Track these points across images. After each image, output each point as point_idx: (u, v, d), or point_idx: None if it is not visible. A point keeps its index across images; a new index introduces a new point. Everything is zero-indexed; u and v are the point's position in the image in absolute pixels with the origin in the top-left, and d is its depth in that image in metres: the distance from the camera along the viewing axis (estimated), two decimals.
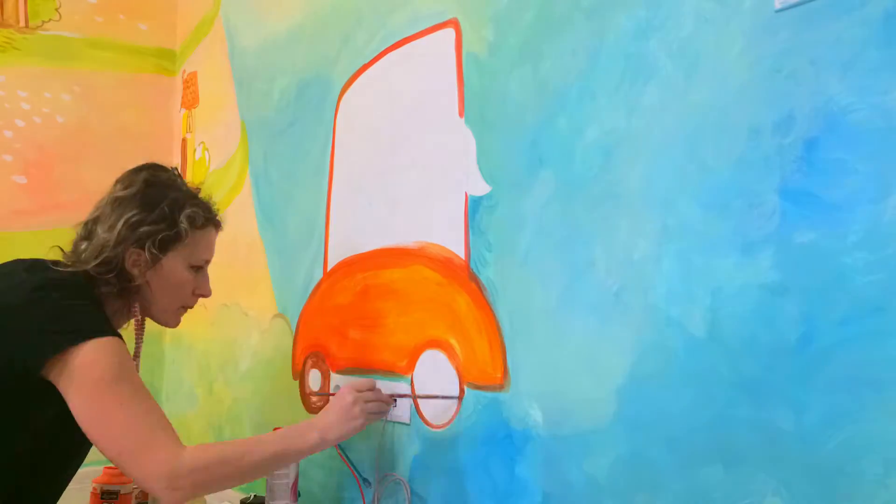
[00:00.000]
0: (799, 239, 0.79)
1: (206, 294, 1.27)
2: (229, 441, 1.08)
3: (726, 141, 0.87)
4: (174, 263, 1.19)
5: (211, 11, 2.24)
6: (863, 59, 0.75)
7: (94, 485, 1.57)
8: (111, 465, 1.62)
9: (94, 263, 1.14)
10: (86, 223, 1.20)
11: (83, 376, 1.00)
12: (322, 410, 1.14)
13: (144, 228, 1.16)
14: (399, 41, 1.40)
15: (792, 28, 0.81)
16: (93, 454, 1.22)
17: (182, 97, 2.42)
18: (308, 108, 1.68)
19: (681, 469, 0.88)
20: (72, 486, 1.24)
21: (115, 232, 1.14)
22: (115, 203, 1.17)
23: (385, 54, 1.44)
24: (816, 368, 0.77)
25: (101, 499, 1.55)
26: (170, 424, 1.05)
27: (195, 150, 2.30)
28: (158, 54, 2.45)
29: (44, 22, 2.27)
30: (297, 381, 1.64)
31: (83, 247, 1.17)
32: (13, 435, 1.07)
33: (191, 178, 2.31)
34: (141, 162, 1.27)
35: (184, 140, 2.38)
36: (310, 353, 1.60)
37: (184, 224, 1.18)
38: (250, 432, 1.82)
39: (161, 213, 1.17)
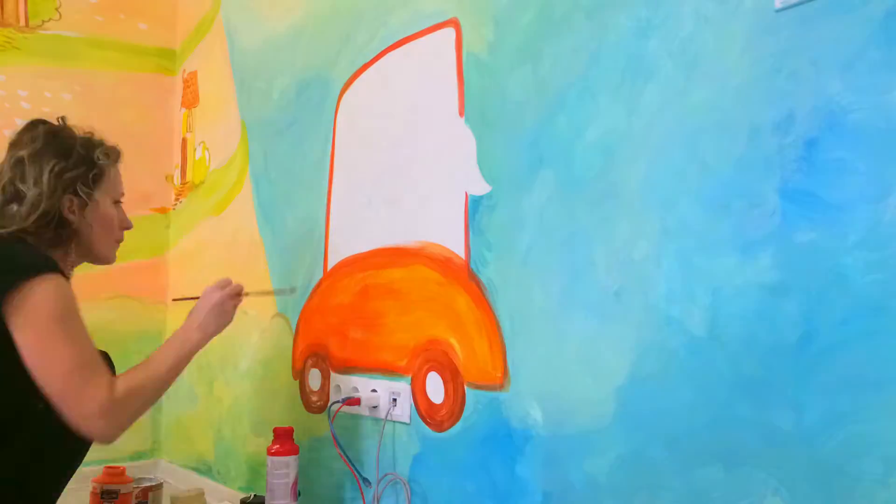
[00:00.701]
0: (799, 239, 0.79)
1: (130, 226, 1.32)
2: (134, 368, 1.14)
3: (727, 140, 0.87)
4: (103, 200, 1.24)
5: (211, 11, 2.24)
6: (863, 58, 0.75)
7: (93, 484, 1.57)
8: (112, 464, 1.63)
9: (33, 218, 1.16)
10: (2, 188, 1.20)
11: (36, 311, 1.05)
12: (191, 311, 1.27)
13: (70, 174, 1.19)
14: (399, 41, 1.40)
15: (792, 28, 0.81)
16: (93, 453, 1.22)
17: (182, 96, 2.42)
18: (308, 107, 1.68)
19: (681, 469, 0.88)
20: (72, 485, 1.24)
21: (44, 184, 1.17)
22: (29, 160, 1.19)
23: (385, 54, 1.44)
24: (816, 368, 0.77)
25: (101, 499, 1.55)
26: (101, 363, 1.10)
27: (195, 150, 2.30)
28: (159, 54, 2.45)
29: (44, 21, 2.27)
30: (297, 381, 1.64)
31: (14, 209, 1.18)
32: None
33: (191, 177, 2.31)
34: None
35: (184, 139, 2.38)
36: (310, 352, 1.60)
37: (102, 160, 1.24)
38: (251, 432, 1.82)
39: (79, 157, 1.21)
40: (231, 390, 1.94)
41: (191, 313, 1.27)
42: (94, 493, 1.57)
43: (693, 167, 0.90)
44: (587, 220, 1.02)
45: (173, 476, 2.13)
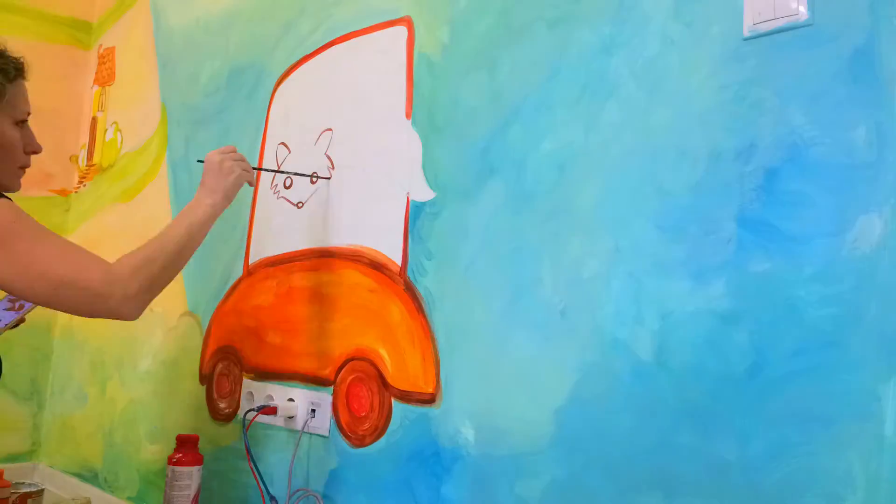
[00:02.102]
0: (754, 268, 0.79)
1: (38, 149, 1.17)
2: (143, 244, 1.06)
3: (686, 165, 0.86)
4: (2, 122, 1.10)
5: None
6: (829, 93, 0.75)
7: None
8: None
9: None
10: None
11: None
12: (199, 184, 1.18)
13: None
14: (346, 35, 1.34)
15: (759, 57, 0.81)
16: None
17: (96, 73, 2.25)
18: (239, 95, 1.59)
19: (619, 496, 0.86)
20: None
21: None
22: None
23: (329, 47, 1.38)
24: (763, 399, 0.76)
25: None
26: (85, 249, 1.03)
27: (106, 130, 2.14)
28: (73, 25, 2.27)
29: None
30: (204, 386, 1.53)
31: None
32: None
33: (99, 159, 2.14)
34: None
35: (94, 118, 2.21)
36: (221, 356, 1.49)
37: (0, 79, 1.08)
38: (145, 437, 1.69)
39: None
40: (126, 392, 1.80)
41: (199, 185, 1.18)
42: None
43: (650, 189, 0.88)
44: (536, 235, 0.99)
45: (54, 482, 1.94)
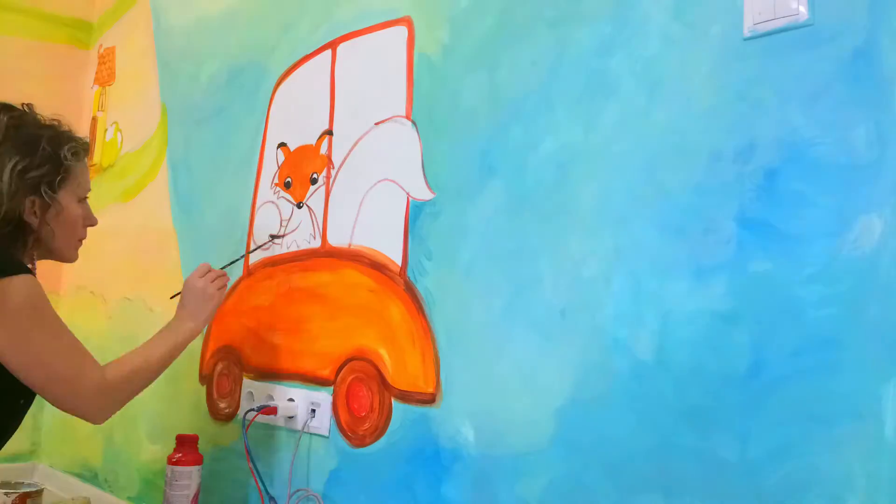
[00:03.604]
0: (754, 268, 0.79)
1: (95, 222, 1.25)
2: (129, 354, 1.17)
3: (686, 164, 0.86)
4: (68, 201, 1.16)
5: None
6: (829, 93, 0.75)
7: None
8: None
9: None
10: None
11: (9, 309, 1.01)
12: (178, 305, 1.27)
13: (33, 173, 1.10)
14: (346, 35, 1.34)
15: (759, 57, 0.81)
16: None
17: (96, 73, 2.25)
18: (239, 95, 1.58)
19: (619, 496, 0.86)
20: None
21: (5, 184, 1.08)
22: None
23: (329, 47, 1.38)
24: (764, 400, 0.76)
25: None
26: (86, 349, 1.11)
27: (106, 130, 2.14)
28: (73, 24, 2.27)
29: None
30: (204, 386, 1.53)
31: None
32: None
33: (99, 159, 2.14)
34: None
35: (94, 118, 2.21)
36: (221, 356, 1.49)
37: (69, 161, 1.15)
38: (145, 438, 1.69)
39: (45, 154, 1.12)
40: None
41: (179, 305, 1.27)
42: None
43: (650, 189, 0.88)
44: (536, 235, 0.99)
45: (54, 482, 1.94)
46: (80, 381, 1.06)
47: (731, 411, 0.78)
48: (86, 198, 1.22)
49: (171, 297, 1.33)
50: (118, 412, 1.14)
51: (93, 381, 1.07)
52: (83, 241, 1.24)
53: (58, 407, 1.08)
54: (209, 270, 1.28)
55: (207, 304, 1.25)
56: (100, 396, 1.09)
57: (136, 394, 1.17)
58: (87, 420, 1.11)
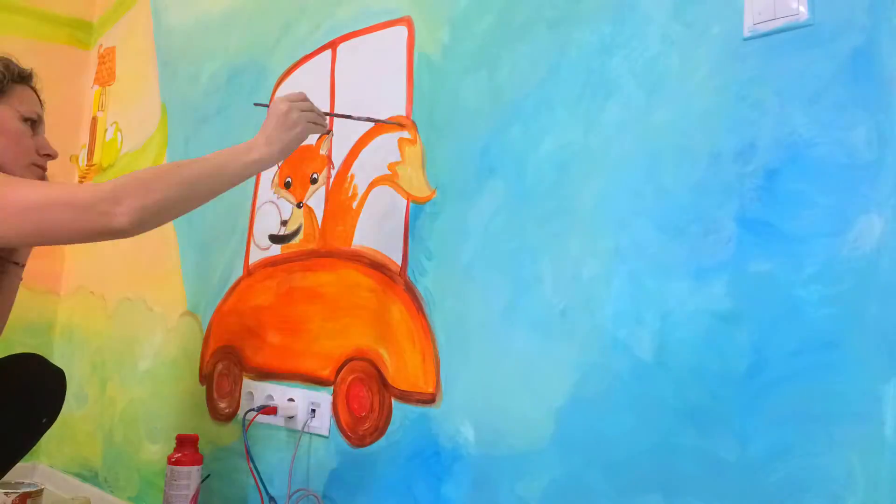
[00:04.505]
0: (754, 268, 0.79)
1: (53, 153, 1.19)
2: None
3: (686, 165, 0.86)
4: (4, 113, 1.14)
5: None
6: (829, 93, 0.75)
7: None
8: None
9: None
10: None
11: None
12: (261, 128, 1.07)
13: None
14: (346, 35, 1.34)
15: (759, 57, 0.81)
16: None
17: (96, 73, 2.25)
18: (240, 95, 1.59)
19: (618, 496, 0.86)
20: None
21: None
22: None
23: (329, 47, 1.38)
24: (764, 399, 0.76)
25: None
26: None
27: (106, 130, 2.14)
28: (73, 24, 2.27)
29: None
30: (204, 386, 1.53)
31: None
32: None
33: (99, 159, 2.14)
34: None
35: (94, 118, 2.21)
36: (221, 356, 1.49)
37: (6, 78, 1.15)
38: (146, 439, 1.69)
39: None
40: (127, 392, 1.80)
41: (261, 129, 1.07)
42: None
43: (650, 188, 0.88)
44: (536, 235, 0.99)
45: (53, 482, 1.94)
46: (76, 195, 0.92)
47: (731, 411, 0.78)
48: (34, 121, 1.18)
49: (255, 105, 1.19)
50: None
51: (91, 187, 0.93)
52: (45, 173, 1.19)
53: (73, 240, 0.94)
54: (305, 99, 1.10)
55: (290, 131, 1.06)
56: (109, 198, 0.91)
57: (165, 203, 0.95)
58: (113, 234, 0.93)
